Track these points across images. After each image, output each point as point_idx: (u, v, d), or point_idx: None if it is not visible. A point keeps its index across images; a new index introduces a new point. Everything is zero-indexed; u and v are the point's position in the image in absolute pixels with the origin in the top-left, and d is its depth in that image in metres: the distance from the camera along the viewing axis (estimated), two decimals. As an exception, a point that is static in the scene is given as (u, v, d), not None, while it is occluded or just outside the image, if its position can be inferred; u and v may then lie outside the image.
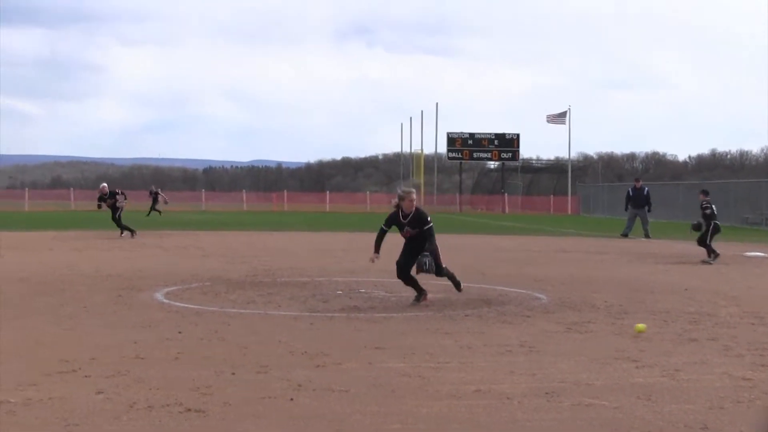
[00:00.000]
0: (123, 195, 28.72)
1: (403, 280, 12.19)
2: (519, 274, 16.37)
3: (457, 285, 12.62)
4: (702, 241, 21.06)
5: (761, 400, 6.65)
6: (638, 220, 31.45)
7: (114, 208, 28.09)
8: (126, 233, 27.71)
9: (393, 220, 12.12)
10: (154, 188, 52.97)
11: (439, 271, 12.10)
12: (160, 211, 48.86)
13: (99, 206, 28.74)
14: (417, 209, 12.06)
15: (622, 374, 7.46)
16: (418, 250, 12.02)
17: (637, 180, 34.46)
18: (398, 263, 12.21)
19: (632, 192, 32.10)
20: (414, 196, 12.07)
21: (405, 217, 12.00)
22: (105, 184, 29.59)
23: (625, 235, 30.68)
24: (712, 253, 20.43)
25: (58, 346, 8.44)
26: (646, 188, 32.63)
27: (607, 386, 6.99)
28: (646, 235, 30.55)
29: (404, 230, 12.12)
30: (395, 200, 12.30)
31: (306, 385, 6.86)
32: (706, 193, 22.30)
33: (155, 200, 49.93)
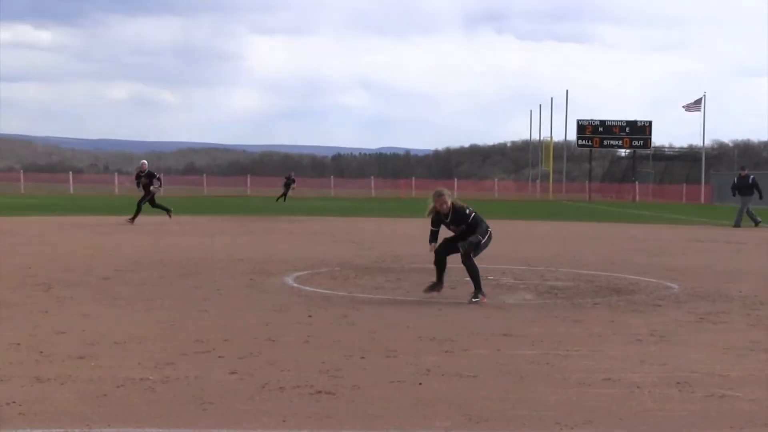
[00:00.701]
0: (159, 180, 27.28)
1: (435, 262, 11.58)
2: (650, 264, 16.09)
3: (476, 288, 11.10)
4: None
5: None
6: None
7: (147, 191, 26.52)
8: (137, 219, 25.99)
9: (438, 221, 11.73)
10: (292, 175, 53.54)
11: (467, 259, 11.31)
12: (283, 196, 49.47)
13: (138, 184, 26.94)
14: (454, 207, 11.56)
15: (758, 366, 7.28)
16: (465, 237, 11.53)
17: (743, 168, 33.72)
18: (440, 244, 11.67)
19: (738, 180, 31.57)
20: (445, 197, 11.60)
21: (446, 217, 11.66)
22: (145, 161, 28.05)
23: (756, 224, 29.93)
24: None
25: (193, 327, 8.71)
26: (752, 176, 31.67)
27: (741, 378, 6.84)
28: (737, 224, 29.94)
29: (450, 229, 11.74)
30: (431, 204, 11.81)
31: (434, 370, 6.92)
32: None
33: (289, 187, 50.52)
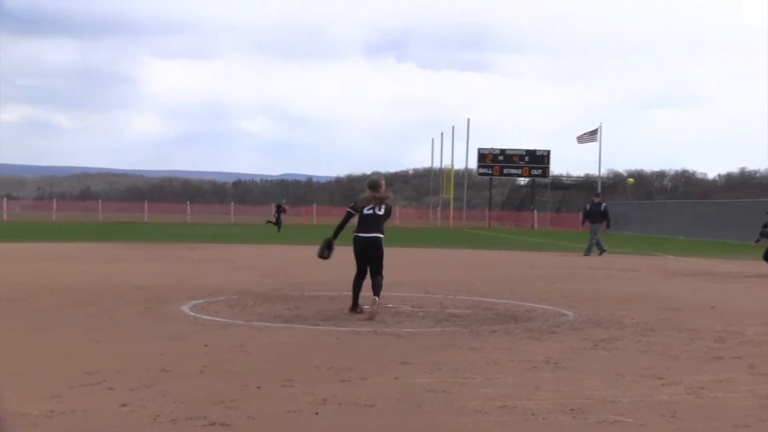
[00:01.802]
0: None
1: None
2: (547, 291, 16.31)
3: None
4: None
5: (788, 419, 6.59)
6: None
7: None
8: None
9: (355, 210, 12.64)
10: (284, 203, 52.41)
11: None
12: (276, 224, 48.04)
13: None
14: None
15: (648, 392, 7.41)
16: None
17: (596, 195, 33.53)
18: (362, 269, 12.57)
19: (590, 207, 31.56)
20: None
21: (380, 202, 12.45)
22: None
23: (601, 252, 29.88)
24: None
25: (83, 357, 8.49)
26: (604, 204, 32.00)
27: (632, 403, 6.95)
28: (587, 252, 30.07)
29: (367, 216, 12.38)
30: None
31: (331, 399, 6.87)
32: None
33: (280, 213, 49.12)
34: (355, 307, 12.48)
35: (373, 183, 12.65)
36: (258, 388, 7.24)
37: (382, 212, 12.38)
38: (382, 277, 12.32)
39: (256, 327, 10.88)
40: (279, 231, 46.00)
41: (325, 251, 12.88)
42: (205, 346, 9.34)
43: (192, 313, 12.04)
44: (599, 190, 65.68)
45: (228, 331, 10.45)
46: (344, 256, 13.92)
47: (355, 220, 12.61)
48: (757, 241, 23.11)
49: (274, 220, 48.83)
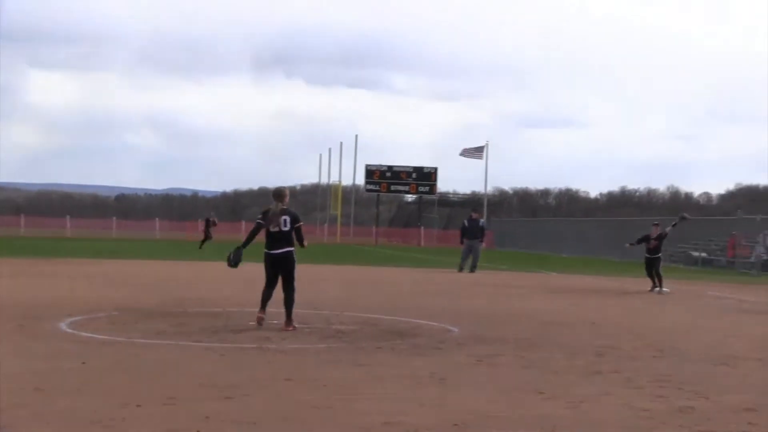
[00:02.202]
0: None
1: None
2: (432, 307, 16.43)
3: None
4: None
5: (659, 429, 6.79)
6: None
7: None
8: None
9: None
10: (212, 215, 50.49)
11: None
12: (204, 239, 45.95)
13: None
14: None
15: (529, 406, 7.52)
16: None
17: (474, 211, 33.51)
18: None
19: (468, 223, 31.20)
20: None
21: (284, 213, 12.71)
22: None
23: (460, 270, 29.85)
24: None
25: (-44, 376, 8.19)
26: (482, 220, 32.17)
27: (513, 418, 7.04)
28: (473, 269, 29.85)
29: (273, 228, 12.61)
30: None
31: (214, 417, 6.77)
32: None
33: (209, 227, 46.94)
34: (262, 309, 12.71)
35: (277, 192, 12.87)
36: (138, 406, 7.08)
37: (288, 227, 12.57)
38: (294, 290, 12.67)
39: (137, 344, 10.67)
40: (201, 247, 43.16)
41: (233, 260, 13.04)
42: (83, 363, 9.11)
43: (70, 330, 11.74)
44: (485, 207, 66.63)
45: (108, 349, 10.23)
46: (229, 273, 13.82)
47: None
48: (632, 244, 23.84)
49: (203, 236, 46.72)
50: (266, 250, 12.67)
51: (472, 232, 30.73)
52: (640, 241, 23.08)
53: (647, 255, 22.79)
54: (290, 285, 12.67)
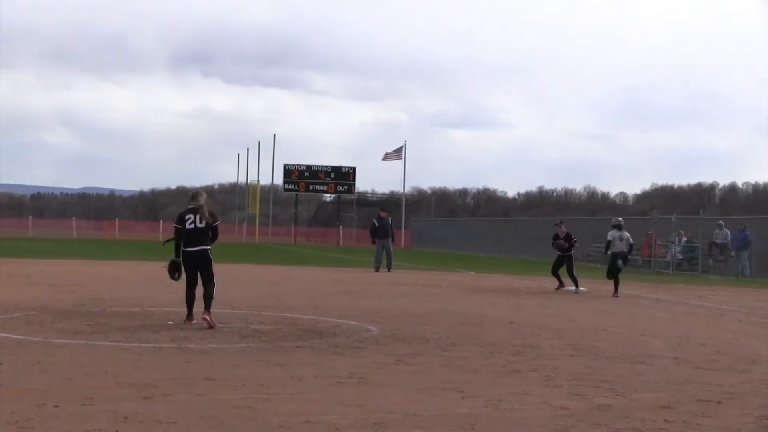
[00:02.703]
0: None
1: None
2: (351, 307, 16.50)
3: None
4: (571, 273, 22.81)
5: (576, 427, 6.93)
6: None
7: None
8: None
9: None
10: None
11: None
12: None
13: None
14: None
15: (448, 405, 7.62)
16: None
17: (383, 210, 33.34)
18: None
19: (378, 223, 31.20)
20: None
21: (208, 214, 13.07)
22: None
23: (377, 270, 30.00)
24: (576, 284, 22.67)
25: None
26: (390, 219, 32.40)
27: (433, 417, 7.13)
28: (389, 268, 30.09)
29: (196, 230, 12.99)
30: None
31: (132, 417, 6.74)
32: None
33: None
34: (190, 316, 12.95)
35: (193, 194, 13.42)
36: (56, 407, 7.02)
37: (203, 225, 12.91)
38: (213, 285, 12.94)
39: (54, 344, 10.54)
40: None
41: (175, 273, 13.10)
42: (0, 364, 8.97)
43: (-15, 331, 11.53)
44: (404, 207, 66.96)
45: (24, 348, 10.08)
46: (147, 272, 13.69)
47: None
48: (553, 244, 23.69)
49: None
50: (183, 248, 12.93)
51: (383, 231, 30.89)
52: (556, 246, 23.33)
53: (559, 254, 23.13)
54: (210, 280, 12.94)
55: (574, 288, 22.49)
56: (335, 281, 24.72)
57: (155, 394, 7.64)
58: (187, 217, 12.91)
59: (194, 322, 12.80)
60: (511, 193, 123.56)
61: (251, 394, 7.78)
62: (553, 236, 23.51)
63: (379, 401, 7.67)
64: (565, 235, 23.08)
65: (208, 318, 12.52)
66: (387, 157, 73.55)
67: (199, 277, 13.04)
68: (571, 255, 23.03)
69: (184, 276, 12.98)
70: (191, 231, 12.88)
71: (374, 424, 6.78)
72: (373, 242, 31.35)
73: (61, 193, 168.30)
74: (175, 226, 13.18)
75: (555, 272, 23.07)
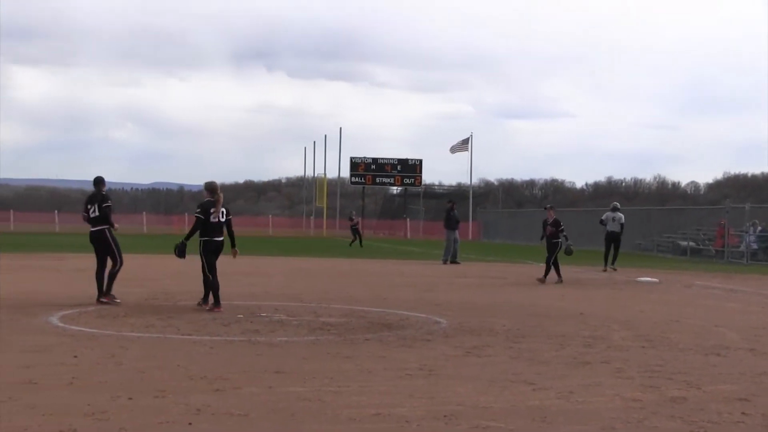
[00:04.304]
0: None
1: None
2: (420, 299, 16.48)
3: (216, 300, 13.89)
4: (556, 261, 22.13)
5: (649, 420, 6.83)
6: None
7: None
8: None
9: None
10: (353, 215, 51.12)
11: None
12: (355, 239, 46.50)
13: None
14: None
15: (519, 397, 7.57)
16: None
17: (450, 201, 33.32)
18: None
19: (451, 214, 31.19)
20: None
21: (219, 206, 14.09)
22: None
23: (448, 262, 29.97)
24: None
25: (-53, 371, 8.20)
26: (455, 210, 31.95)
27: (503, 409, 7.08)
28: (455, 260, 30.15)
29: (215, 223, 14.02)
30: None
31: (204, 409, 6.80)
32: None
33: (355, 229, 47.46)
34: (217, 303, 13.80)
35: (211, 186, 14.28)
36: (129, 399, 7.11)
37: (224, 219, 14.07)
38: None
39: (127, 337, 10.69)
40: (361, 245, 44.99)
41: (183, 254, 14.40)
42: (75, 357, 9.12)
43: (60, 324, 11.75)
44: (471, 199, 66.72)
45: (98, 342, 10.24)
46: (221, 267, 13.85)
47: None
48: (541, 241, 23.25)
49: (353, 238, 46.80)
50: (208, 239, 13.92)
51: (454, 223, 30.83)
52: (543, 226, 22.70)
53: (547, 240, 22.42)
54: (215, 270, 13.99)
55: (542, 275, 21.82)
56: (403, 274, 24.73)
57: (226, 387, 7.71)
58: (212, 211, 13.88)
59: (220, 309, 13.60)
60: (579, 184, 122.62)
61: (321, 387, 7.81)
62: (543, 222, 22.86)
63: (448, 393, 7.64)
64: (554, 220, 22.27)
65: (206, 307, 13.83)
66: (454, 149, 73.33)
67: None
68: (557, 243, 22.12)
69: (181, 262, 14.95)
70: (216, 223, 13.91)
71: (444, 416, 6.76)
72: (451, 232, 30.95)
73: (132, 188, 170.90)
74: (197, 216, 13.98)
75: (551, 263, 22.32)
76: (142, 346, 10.05)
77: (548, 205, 24.32)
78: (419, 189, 79.89)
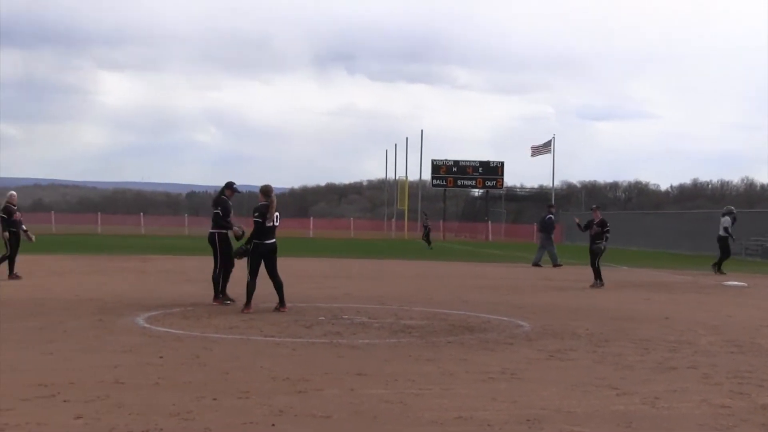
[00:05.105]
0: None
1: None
2: (502, 302, 16.39)
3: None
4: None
5: (739, 427, 6.67)
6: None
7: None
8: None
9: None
10: (425, 218, 51.67)
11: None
12: (429, 242, 47.07)
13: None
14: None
15: (603, 402, 7.47)
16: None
17: (551, 206, 33.35)
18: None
19: (549, 219, 31.11)
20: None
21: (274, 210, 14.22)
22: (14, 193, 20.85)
23: (557, 264, 29.86)
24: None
25: (36, 370, 8.39)
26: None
27: (587, 413, 6.99)
28: (538, 263, 30.09)
29: (270, 227, 14.18)
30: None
31: (287, 411, 6.84)
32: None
33: (428, 231, 48.07)
34: (248, 305, 13.97)
35: (265, 190, 14.34)
36: (214, 399, 7.19)
37: (278, 223, 14.30)
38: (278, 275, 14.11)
39: (211, 339, 10.82)
40: (430, 248, 45.36)
41: (244, 255, 14.38)
42: (160, 357, 9.26)
43: (146, 325, 11.95)
44: (553, 201, 66.12)
45: (183, 343, 10.38)
46: (299, 270, 13.92)
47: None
48: (579, 226, 22.87)
49: (426, 239, 47.56)
50: (259, 242, 14.03)
51: (550, 227, 30.85)
52: (585, 227, 22.23)
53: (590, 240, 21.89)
54: (276, 271, 14.17)
55: (594, 281, 21.21)
56: (484, 276, 24.62)
57: (309, 389, 7.75)
58: (268, 214, 13.93)
59: (249, 311, 13.74)
60: (664, 186, 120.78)
61: (403, 390, 7.80)
62: (587, 222, 22.38)
63: (531, 397, 7.58)
64: (600, 220, 21.65)
65: (284, 310, 13.82)
66: (535, 151, 72.85)
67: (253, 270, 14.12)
68: (599, 245, 21.47)
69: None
70: (270, 227, 14.02)
71: (527, 420, 6.70)
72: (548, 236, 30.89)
73: (215, 191, 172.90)
74: (256, 220, 14.05)
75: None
76: (226, 348, 10.16)
77: (594, 206, 24.05)
78: (501, 191, 79.52)
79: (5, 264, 19.79)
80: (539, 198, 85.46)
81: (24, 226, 20.41)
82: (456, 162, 74.62)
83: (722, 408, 7.31)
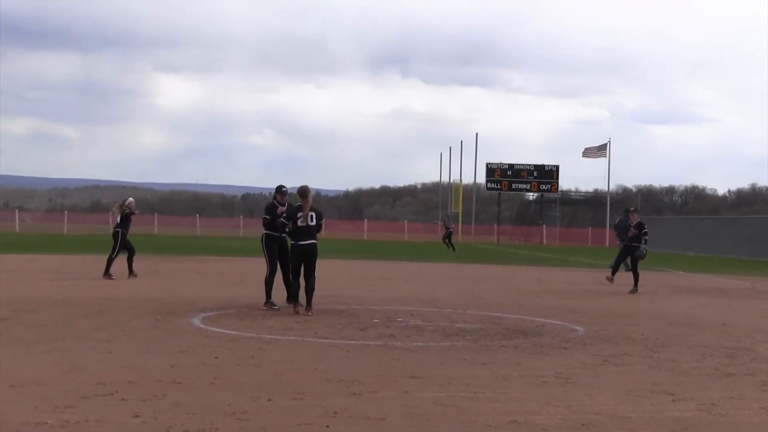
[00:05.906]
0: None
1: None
2: (556, 306, 16.31)
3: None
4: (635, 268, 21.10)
5: (799, 436, 6.59)
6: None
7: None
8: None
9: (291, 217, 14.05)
10: (447, 220, 51.97)
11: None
12: (450, 245, 46.94)
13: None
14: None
15: (659, 408, 7.41)
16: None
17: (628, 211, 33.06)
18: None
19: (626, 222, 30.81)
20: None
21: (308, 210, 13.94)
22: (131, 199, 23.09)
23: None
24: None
25: (95, 369, 8.52)
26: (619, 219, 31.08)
27: (643, 419, 6.95)
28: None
29: (301, 227, 13.88)
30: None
31: (341, 412, 6.89)
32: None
33: (450, 233, 48.21)
34: (291, 299, 14.27)
35: (301, 191, 14.22)
36: (269, 400, 7.26)
37: (314, 223, 13.96)
38: (314, 279, 13.91)
39: (266, 340, 10.91)
40: (453, 249, 45.29)
41: (283, 228, 14.33)
42: (216, 358, 9.36)
43: (202, 326, 12.07)
44: (608, 206, 65.51)
45: (238, 344, 10.47)
46: (353, 271, 13.96)
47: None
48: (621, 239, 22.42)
49: (448, 242, 47.52)
50: (294, 242, 13.96)
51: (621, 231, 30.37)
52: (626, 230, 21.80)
53: (627, 243, 21.45)
54: (312, 274, 13.88)
55: (634, 286, 20.59)
56: (539, 280, 24.51)
57: (363, 391, 7.78)
58: (299, 215, 13.82)
59: (299, 310, 13.80)
60: (722, 191, 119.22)
61: (457, 393, 7.81)
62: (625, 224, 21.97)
63: (586, 402, 7.54)
64: (637, 223, 21.22)
65: (310, 314, 13.52)
66: (588, 153, 72.30)
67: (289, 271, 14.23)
68: (636, 248, 20.95)
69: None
70: (303, 227, 13.80)
71: (582, 425, 6.68)
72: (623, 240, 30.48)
73: (270, 193, 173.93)
74: (282, 221, 14.17)
75: (617, 265, 21.63)
76: (281, 349, 10.24)
77: (632, 208, 23.82)
78: (556, 195, 79.04)
79: (124, 262, 20.94)
80: (593, 202, 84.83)
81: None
82: (511, 165, 74.31)
83: (781, 416, 7.22)
